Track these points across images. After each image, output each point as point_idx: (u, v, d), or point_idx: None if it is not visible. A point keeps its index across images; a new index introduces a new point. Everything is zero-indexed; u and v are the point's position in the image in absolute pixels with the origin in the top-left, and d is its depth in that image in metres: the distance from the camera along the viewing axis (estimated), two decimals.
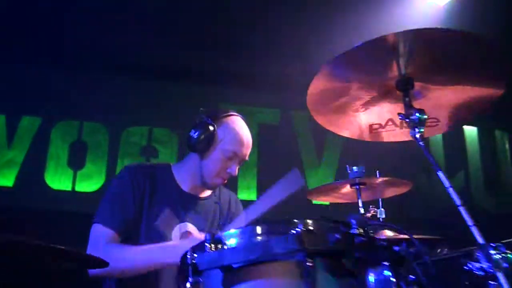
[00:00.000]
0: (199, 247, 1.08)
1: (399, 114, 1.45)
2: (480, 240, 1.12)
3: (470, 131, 4.92)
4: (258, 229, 1.07)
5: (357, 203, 1.96)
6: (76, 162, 3.83)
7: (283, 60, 4.31)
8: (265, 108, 4.47)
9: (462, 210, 1.19)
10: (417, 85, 1.50)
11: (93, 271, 1.96)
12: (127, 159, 3.96)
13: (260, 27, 3.93)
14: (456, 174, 4.78)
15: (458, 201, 1.21)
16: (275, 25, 3.90)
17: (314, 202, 4.39)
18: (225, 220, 2.28)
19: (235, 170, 2.15)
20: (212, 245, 1.03)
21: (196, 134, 2.11)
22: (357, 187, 1.96)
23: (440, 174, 1.28)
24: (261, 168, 4.24)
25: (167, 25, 3.79)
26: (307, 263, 0.95)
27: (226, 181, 2.21)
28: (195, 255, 1.04)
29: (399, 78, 1.49)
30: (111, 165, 3.91)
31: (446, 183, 1.22)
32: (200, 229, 2.16)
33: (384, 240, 1.21)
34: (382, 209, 1.93)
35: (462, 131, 4.91)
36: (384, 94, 1.56)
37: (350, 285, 1.01)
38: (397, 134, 1.73)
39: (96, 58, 3.94)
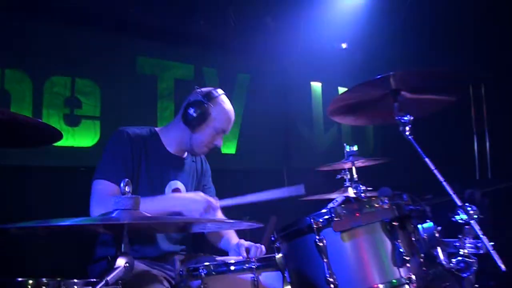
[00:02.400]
0: None
1: (397, 116, 2.08)
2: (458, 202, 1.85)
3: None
4: None
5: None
6: None
7: (200, 17, 4.61)
8: (181, 64, 4.73)
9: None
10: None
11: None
12: (52, 110, 3.90)
13: None
14: (331, 128, 5.77)
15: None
16: None
17: (223, 152, 4.94)
18: (201, 175, 2.76)
19: (221, 142, 2.61)
20: None
21: (193, 111, 2.48)
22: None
23: (427, 161, 1.97)
24: None
25: None
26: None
27: None
28: None
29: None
30: (36, 116, 3.81)
31: (440, 178, 1.91)
32: (186, 185, 2.61)
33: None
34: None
35: (337, 90, 5.86)
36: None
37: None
38: None
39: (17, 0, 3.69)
